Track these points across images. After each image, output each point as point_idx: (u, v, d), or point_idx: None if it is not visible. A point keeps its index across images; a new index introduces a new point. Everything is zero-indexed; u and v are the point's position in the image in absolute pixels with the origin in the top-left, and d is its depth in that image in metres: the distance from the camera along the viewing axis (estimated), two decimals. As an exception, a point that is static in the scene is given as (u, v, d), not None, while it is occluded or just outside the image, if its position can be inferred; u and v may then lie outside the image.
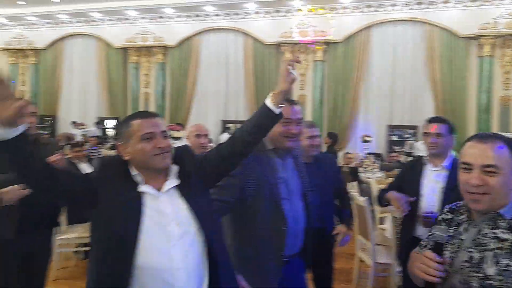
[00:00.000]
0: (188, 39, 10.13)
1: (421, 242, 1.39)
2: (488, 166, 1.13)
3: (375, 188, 4.61)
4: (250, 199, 1.72)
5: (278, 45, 9.29)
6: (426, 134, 2.28)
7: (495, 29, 7.98)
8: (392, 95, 8.67)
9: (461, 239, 1.22)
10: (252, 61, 9.49)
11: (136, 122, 1.41)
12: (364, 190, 5.14)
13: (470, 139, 1.21)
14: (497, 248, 1.14)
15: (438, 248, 1.18)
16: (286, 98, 1.58)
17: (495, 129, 8.07)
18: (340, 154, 7.50)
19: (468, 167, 1.17)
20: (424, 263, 1.15)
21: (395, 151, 7.90)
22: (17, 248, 2.17)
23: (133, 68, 10.80)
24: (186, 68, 10.10)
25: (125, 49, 10.77)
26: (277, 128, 1.67)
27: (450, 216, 1.31)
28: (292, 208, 1.79)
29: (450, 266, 1.19)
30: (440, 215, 1.35)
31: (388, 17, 8.59)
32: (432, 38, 8.28)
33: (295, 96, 9.11)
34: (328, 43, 8.89)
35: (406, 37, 8.58)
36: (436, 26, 8.24)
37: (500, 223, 1.17)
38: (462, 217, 1.27)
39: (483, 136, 1.19)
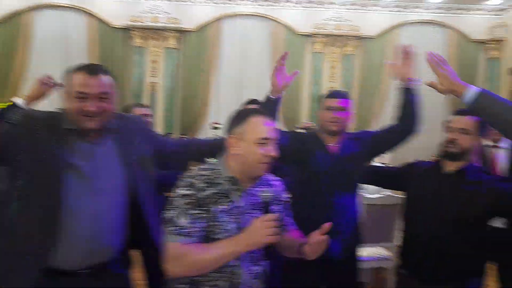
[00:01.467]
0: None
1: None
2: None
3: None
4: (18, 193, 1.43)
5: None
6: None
7: (325, 29, 9.22)
8: (242, 86, 9.18)
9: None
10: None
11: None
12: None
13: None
14: None
15: (266, 207, 1.37)
16: (87, 66, 1.50)
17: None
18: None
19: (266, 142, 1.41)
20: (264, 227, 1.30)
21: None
22: None
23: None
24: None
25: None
26: (71, 103, 1.44)
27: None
28: (91, 207, 1.47)
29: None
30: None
31: (238, 10, 9.02)
32: (276, 34, 9.07)
33: (147, 84, 8.85)
34: (181, 31, 8.86)
35: (254, 31, 9.17)
36: (280, 23, 9.04)
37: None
38: (226, 187, 1.43)
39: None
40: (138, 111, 2.67)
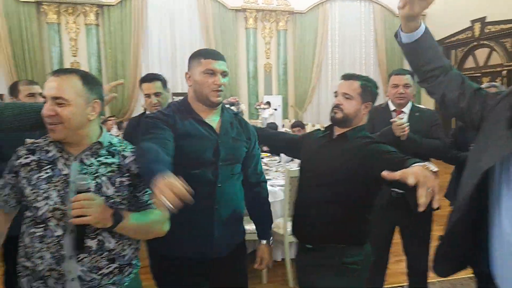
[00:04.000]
0: None
1: None
2: (58, 98, 1.24)
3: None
4: None
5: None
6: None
7: (256, 3, 9.00)
8: (173, 63, 8.76)
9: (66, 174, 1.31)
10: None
11: None
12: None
13: None
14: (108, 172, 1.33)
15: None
16: None
17: (261, 93, 9.33)
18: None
19: None
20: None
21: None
22: None
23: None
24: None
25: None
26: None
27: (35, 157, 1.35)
28: None
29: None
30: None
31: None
32: (204, 8, 8.67)
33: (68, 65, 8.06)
34: (101, 6, 8.12)
35: (181, 6, 8.69)
36: (207, -4, 8.66)
37: (99, 151, 1.34)
38: (51, 154, 1.33)
39: None
40: (27, 89, 2.31)
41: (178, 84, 8.75)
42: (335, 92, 1.78)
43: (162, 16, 8.59)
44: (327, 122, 1.90)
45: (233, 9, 8.91)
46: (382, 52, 9.62)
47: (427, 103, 8.68)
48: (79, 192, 1.22)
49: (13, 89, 2.35)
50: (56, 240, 1.27)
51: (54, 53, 8.00)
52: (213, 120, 1.69)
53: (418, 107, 2.49)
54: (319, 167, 1.75)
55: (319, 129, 2.00)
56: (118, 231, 1.27)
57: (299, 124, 4.82)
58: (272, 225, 2.83)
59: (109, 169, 1.33)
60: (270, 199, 2.22)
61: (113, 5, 8.19)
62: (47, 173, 1.30)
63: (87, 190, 1.23)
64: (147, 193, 1.37)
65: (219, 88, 1.63)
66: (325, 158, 1.74)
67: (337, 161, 1.68)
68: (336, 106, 1.73)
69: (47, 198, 1.28)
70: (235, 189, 1.72)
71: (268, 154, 4.53)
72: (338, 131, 1.77)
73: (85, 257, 1.27)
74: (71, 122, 1.27)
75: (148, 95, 2.40)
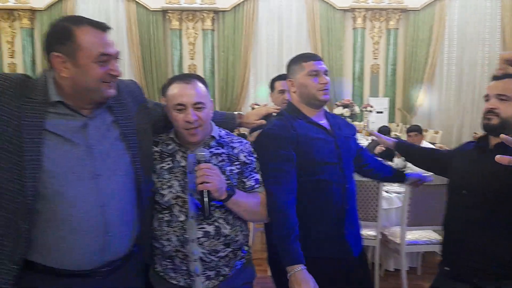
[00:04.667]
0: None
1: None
2: (199, 103, 1.37)
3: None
4: None
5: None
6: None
7: (366, 2, 8.77)
8: (281, 65, 9.02)
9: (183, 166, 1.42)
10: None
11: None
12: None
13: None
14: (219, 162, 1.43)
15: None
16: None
17: (366, 94, 9.05)
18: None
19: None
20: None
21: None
22: None
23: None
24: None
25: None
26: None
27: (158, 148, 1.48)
28: (92, 193, 1.25)
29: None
30: None
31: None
32: (313, 10, 8.75)
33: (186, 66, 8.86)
34: (216, 12, 8.77)
35: (290, 8, 8.90)
36: (317, -1, 8.71)
37: (210, 143, 1.46)
38: (170, 147, 1.46)
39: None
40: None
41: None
42: (486, 96, 1.56)
43: (271, 20, 8.90)
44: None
45: (341, 9, 8.81)
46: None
47: None
48: (199, 162, 1.33)
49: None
50: (180, 225, 1.39)
51: (175, 56, 8.90)
52: (322, 122, 1.72)
53: None
54: (476, 184, 1.51)
55: (470, 142, 1.77)
56: (230, 206, 1.39)
57: (416, 129, 4.44)
58: (387, 232, 2.81)
59: (219, 158, 1.44)
60: (385, 206, 2.23)
61: (227, 11, 8.78)
62: (168, 164, 1.43)
63: (207, 161, 1.35)
64: (253, 178, 1.49)
65: (325, 87, 1.67)
66: (484, 173, 1.50)
67: (502, 176, 1.41)
68: (490, 111, 1.49)
69: (170, 187, 1.41)
70: (354, 188, 1.77)
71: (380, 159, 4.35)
72: (494, 140, 1.53)
73: (205, 241, 1.39)
74: (207, 123, 1.42)
75: (282, 91, 2.61)
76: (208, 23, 8.83)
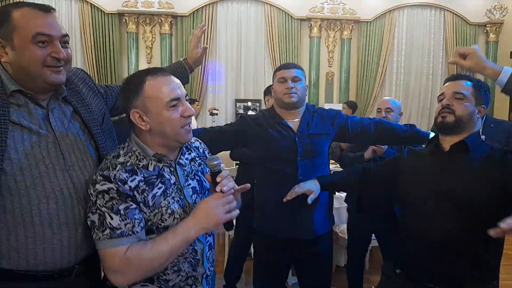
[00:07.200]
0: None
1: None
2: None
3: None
4: None
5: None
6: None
7: (322, 13, 9.09)
8: (239, 70, 9.11)
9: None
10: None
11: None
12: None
13: None
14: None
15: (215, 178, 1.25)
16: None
17: (322, 100, 9.37)
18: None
19: None
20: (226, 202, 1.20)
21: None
22: None
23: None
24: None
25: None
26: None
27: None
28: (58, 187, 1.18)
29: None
30: None
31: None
32: (271, 18, 8.94)
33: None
34: (175, 16, 8.72)
35: (249, 14, 9.03)
36: (275, 7, 8.90)
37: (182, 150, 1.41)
38: (152, 168, 1.26)
39: None
40: None
41: (241, 90, 9.07)
42: (441, 95, 1.54)
43: (230, 27, 8.98)
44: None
45: (298, 19, 9.07)
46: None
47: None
48: (213, 173, 1.21)
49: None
50: (191, 248, 1.25)
51: (132, 59, 8.72)
52: (293, 121, 2.02)
53: (493, 119, 2.48)
54: (434, 189, 1.43)
55: (413, 147, 1.71)
56: None
57: (350, 104, 4.66)
58: (337, 230, 3.09)
59: (197, 162, 1.39)
60: (337, 205, 2.48)
61: (185, 16, 8.75)
62: (159, 188, 1.22)
63: (220, 171, 1.23)
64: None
65: (290, 91, 1.95)
66: (444, 177, 1.42)
67: (465, 179, 1.36)
68: (446, 107, 1.46)
69: (172, 213, 1.22)
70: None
71: (333, 161, 4.39)
72: (447, 142, 1.47)
73: (210, 254, 1.34)
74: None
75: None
76: (166, 28, 8.75)
